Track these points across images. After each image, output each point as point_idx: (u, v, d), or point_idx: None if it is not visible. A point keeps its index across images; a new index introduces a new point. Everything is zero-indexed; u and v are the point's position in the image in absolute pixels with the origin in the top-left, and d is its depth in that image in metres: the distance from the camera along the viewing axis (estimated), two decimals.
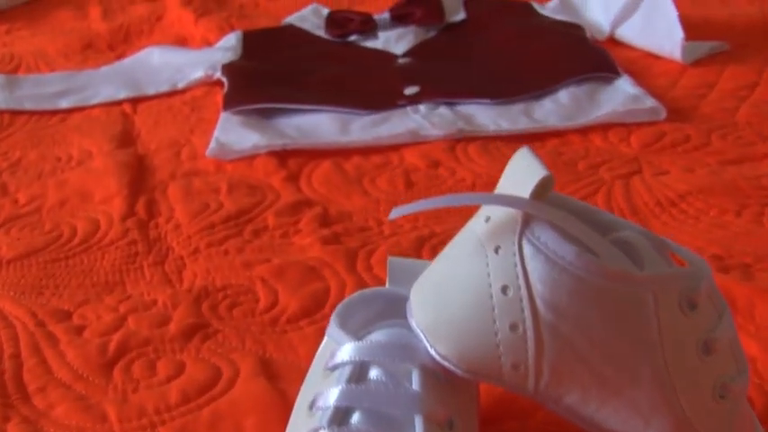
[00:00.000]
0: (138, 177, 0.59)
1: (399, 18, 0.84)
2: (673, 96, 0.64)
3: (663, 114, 0.60)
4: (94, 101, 0.76)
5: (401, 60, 0.77)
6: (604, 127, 0.60)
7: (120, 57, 0.91)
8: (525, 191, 0.26)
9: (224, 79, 0.75)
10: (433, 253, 0.47)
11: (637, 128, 0.59)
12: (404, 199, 0.54)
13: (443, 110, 0.65)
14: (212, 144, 0.62)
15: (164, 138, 0.67)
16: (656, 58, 0.72)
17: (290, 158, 0.60)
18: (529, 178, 0.26)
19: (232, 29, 0.93)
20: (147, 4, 1.09)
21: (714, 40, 0.71)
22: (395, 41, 0.81)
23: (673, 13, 0.68)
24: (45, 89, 0.79)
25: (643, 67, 0.70)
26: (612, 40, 0.77)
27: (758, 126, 0.58)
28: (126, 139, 0.68)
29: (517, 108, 0.64)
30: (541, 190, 0.26)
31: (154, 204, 0.56)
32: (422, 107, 0.65)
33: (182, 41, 0.93)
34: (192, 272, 0.48)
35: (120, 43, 0.95)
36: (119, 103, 0.76)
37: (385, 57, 0.78)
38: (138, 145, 0.67)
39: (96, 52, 0.93)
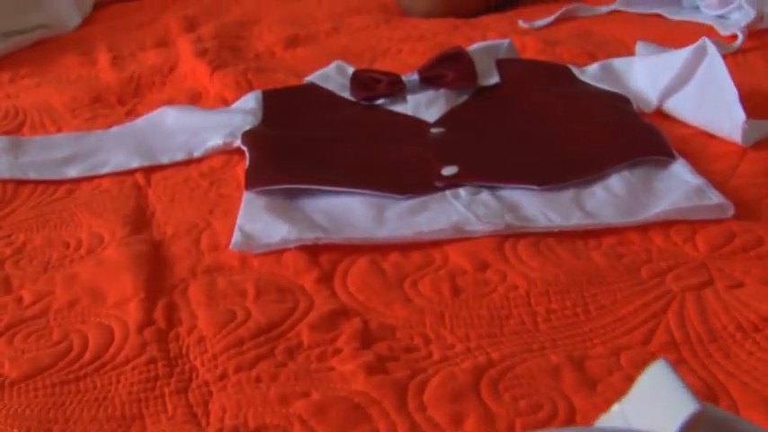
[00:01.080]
0: (156, 274, 0.54)
1: (429, 80, 0.79)
2: (735, 186, 0.59)
3: (730, 212, 0.55)
4: (105, 169, 0.71)
5: (434, 131, 0.72)
6: (666, 224, 0.55)
7: (130, 113, 0.86)
8: (669, 428, 0.21)
9: (244, 148, 0.70)
10: (494, 391, 0.42)
11: (701, 226, 0.54)
12: (451, 308, 0.49)
13: (486, 196, 0.60)
14: (236, 235, 0.56)
15: (181, 219, 0.62)
16: (710, 136, 0.67)
17: (322, 254, 0.55)
18: (674, 412, 0.21)
19: (249, 85, 0.89)
20: (159, 50, 1.05)
21: None
22: (425, 107, 0.77)
23: (732, 92, 0.63)
24: (52, 154, 0.74)
25: (697, 147, 0.65)
26: (660, 114, 0.72)
27: None
28: (140, 219, 0.62)
29: (566, 196, 0.59)
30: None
31: (174, 310, 0.50)
32: (462, 192, 0.60)
33: (196, 97, 0.88)
34: (219, 405, 0.42)
35: (131, 96, 0.90)
36: (131, 172, 0.71)
37: (416, 125, 0.73)
38: (154, 228, 0.62)
39: (105, 107, 0.88)
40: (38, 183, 0.69)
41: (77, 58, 1.03)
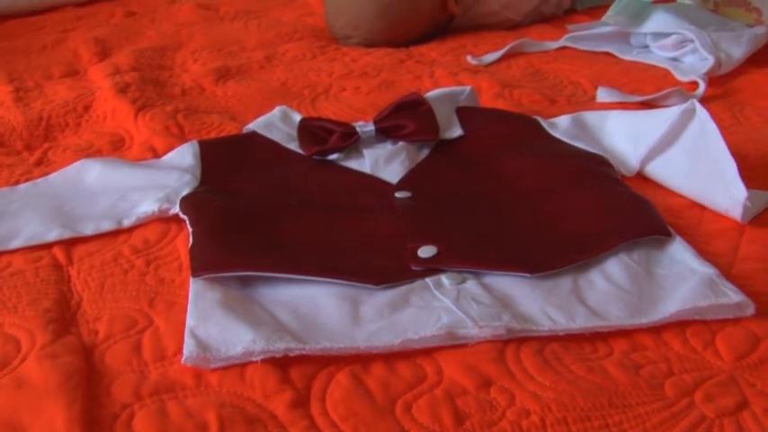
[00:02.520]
0: (90, 401, 0.44)
1: (386, 131, 0.72)
2: (742, 273, 0.54)
3: (750, 310, 0.49)
4: (15, 243, 0.60)
5: (399, 196, 0.64)
6: (680, 324, 0.49)
7: (40, 162, 0.75)
8: None
9: (184, 218, 0.61)
10: None
11: (719, 327, 0.49)
12: None
13: (473, 286, 0.52)
14: (188, 344, 0.47)
15: (115, 313, 0.52)
16: (701, 208, 0.62)
17: (293, 365, 0.47)
18: None
19: (180, 130, 0.79)
20: (71, 82, 0.93)
21: (759, 189, 0.62)
22: (384, 163, 0.69)
23: (730, 165, 0.58)
24: None
25: (690, 222, 0.60)
26: (641, 178, 0.67)
27: None
28: (64, 315, 0.52)
29: (564, 286, 0.52)
30: None
31: None
32: (445, 280, 0.53)
33: (119, 144, 0.78)
34: None
35: (41, 141, 0.79)
36: (47, 246, 0.60)
37: (379, 188, 0.66)
38: (81, 325, 0.51)
39: (10, 153, 0.76)
40: None
41: None
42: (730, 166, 0.58)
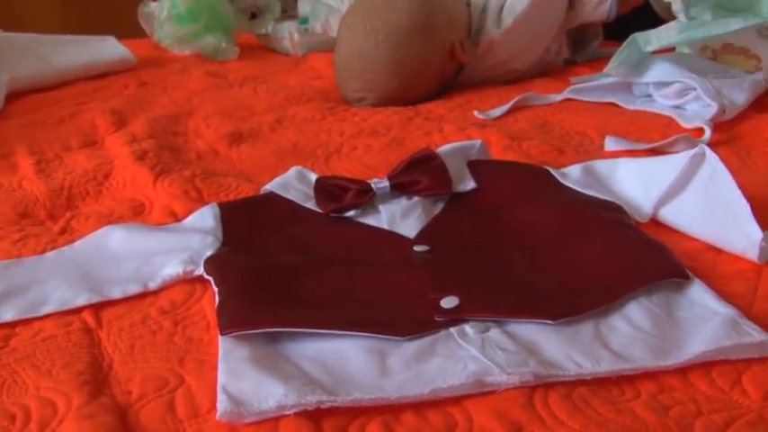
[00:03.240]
0: None
1: (400, 187, 0.74)
2: (761, 311, 0.55)
3: None
4: (46, 309, 0.61)
5: (418, 249, 0.65)
6: (705, 364, 0.50)
7: (65, 231, 0.76)
8: None
9: (209, 278, 0.62)
10: None
11: (745, 367, 0.49)
12: None
13: (497, 334, 0.53)
14: (221, 400, 0.48)
15: (147, 373, 0.53)
16: (717, 251, 0.63)
17: (325, 418, 0.47)
18: None
19: (199, 194, 0.81)
20: (89, 152, 0.95)
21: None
22: (401, 218, 0.70)
23: (744, 207, 0.60)
24: None
25: (707, 265, 0.61)
26: (656, 223, 0.68)
27: None
28: (97, 377, 0.53)
29: (587, 331, 0.53)
30: None
31: None
32: (469, 329, 0.54)
33: (139, 210, 0.80)
34: None
35: (63, 210, 0.81)
36: (77, 311, 0.61)
37: (397, 243, 0.67)
38: (114, 386, 0.52)
39: (35, 224, 0.78)
40: None
41: None
42: (744, 208, 0.60)
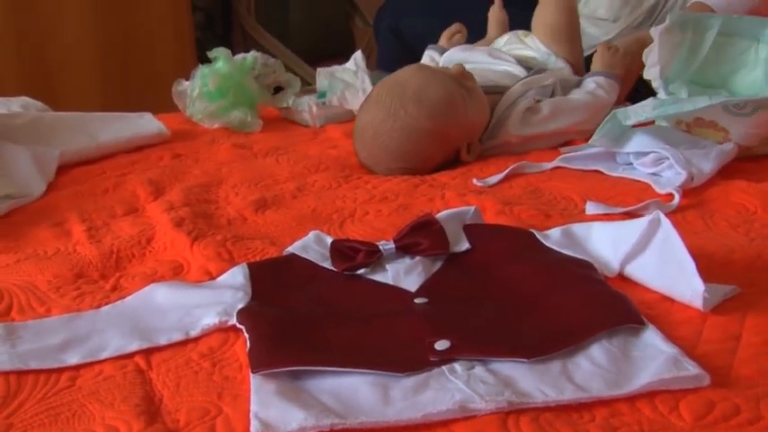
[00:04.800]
0: None
1: (404, 248, 0.85)
2: (703, 353, 0.66)
3: (706, 381, 0.61)
4: (104, 354, 0.73)
5: (418, 301, 0.77)
6: (650, 393, 0.61)
7: (115, 288, 0.88)
8: None
9: (241, 327, 0.74)
10: None
11: (683, 395, 0.60)
12: None
13: (480, 371, 0.64)
14: (254, 424, 0.59)
15: (191, 405, 0.65)
16: (672, 301, 0.74)
17: None
18: None
19: (230, 255, 0.93)
20: (133, 219, 1.08)
21: (723, 283, 0.74)
22: (404, 275, 0.82)
23: (690, 264, 0.71)
24: (48, 339, 0.75)
25: (661, 312, 0.72)
26: (622, 278, 0.79)
27: None
28: (150, 408, 0.64)
29: (555, 368, 0.64)
30: None
31: None
32: (458, 367, 0.65)
33: (178, 269, 0.92)
34: None
35: (113, 270, 0.93)
36: (130, 355, 0.73)
37: (400, 296, 0.78)
38: (165, 416, 0.64)
39: (89, 282, 0.90)
40: (39, 372, 0.71)
41: (51, 230, 1.05)
42: (690, 265, 0.71)
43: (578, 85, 1.35)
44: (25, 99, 1.61)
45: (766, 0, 1.40)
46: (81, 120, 1.42)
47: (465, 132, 1.24)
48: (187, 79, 1.56)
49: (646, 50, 1.22)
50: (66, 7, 2.46)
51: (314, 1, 3.17)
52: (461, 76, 1.25)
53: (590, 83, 1.33)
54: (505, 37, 1.51)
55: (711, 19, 1.21)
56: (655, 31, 1.20)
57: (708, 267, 0.76)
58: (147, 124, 1.46)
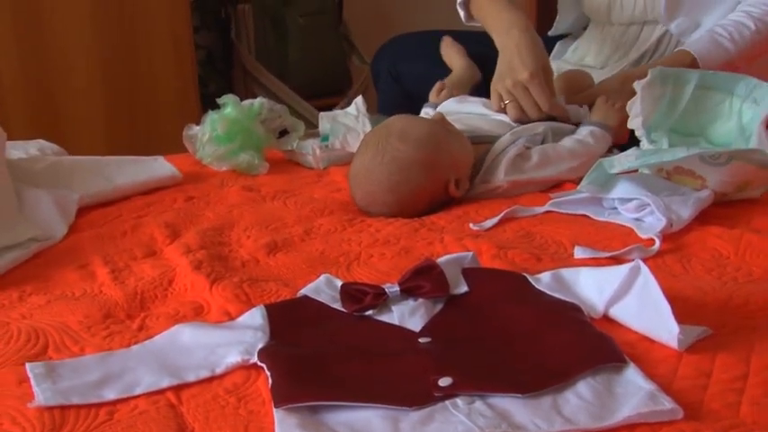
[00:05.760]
0: None
1: (408, 291, 0.93)
2: (678, 388, 0.74)
3: (680, 414, 0.69)
4: (138, 390, 0.80)
5: (422, 341, 0.85)
6: (630, 425, 0.68)
7: (141, 328, 0.96)
8: None
9: (262, 365, 0.82)
10: None
11: (659, 427, 0.68)
12: None
13: (480, 405, 0.72)
14: None
15: None
16: (651, 341, 0.82)
17: None
18: None
19: (247, 297, 1.01)
20: (153, 262, 1.15)
21: (696, 325, 0.82)
22: (409, 316, 0.90)
23: (666, 308, 0.79)
24: (85, 377, 0.83)
25: (642, 352, 0.80)
26: (607, 319, 0.87)
27: (764, 425, 0.68)
28: None
29: (546, 403, 0.72)
30: None
31: None
32: (459, 402, 0.73)
33: (199, 310, 0.99)
34: None
35: (138, 311, 1.01)
36: (162, 391, 0.80)
37: (406, 336, 0.86)
38: None
39: (117, 323, 0.97)
40: (80, 407, 0.78)
41: (77, 272, 1.12)
42: (666, 309, 0.79)
43: (572, 132, 1.44)
44: (41, 142, 1.69)
45: (742, 57, 1.51)
46: (98, 163, 1.51)
47: (451, 165, 1.32)
48: (194, 121, 1.65)
49: (629, 102, 1.32)
50: (73, 37, 2.54)
51: (312, 40, 3.28)
52: (442, 121, 1.35)
53: (583, 130, 1.42)
54: None
55: (689, 74, 1.31)
56: (638, 85, 1.29)
57: (683, 309, 0.84)
58: (160, 167, 1.54)
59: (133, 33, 2.74)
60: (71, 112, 2.53)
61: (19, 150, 1.59)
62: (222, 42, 3.27)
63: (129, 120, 2.64)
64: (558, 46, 1.97)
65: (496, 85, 1.48)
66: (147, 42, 2.80)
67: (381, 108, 2.04)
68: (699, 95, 1.30)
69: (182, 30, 2.88)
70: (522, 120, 1.44)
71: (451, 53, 1.81)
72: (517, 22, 1.51)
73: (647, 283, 0.83)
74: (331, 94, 3.39)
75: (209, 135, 1.60)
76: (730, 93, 1.29)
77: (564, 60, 1.89)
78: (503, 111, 1.47)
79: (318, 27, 3.29)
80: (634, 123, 1.29)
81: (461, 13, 1.73)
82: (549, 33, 1.96)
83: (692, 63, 1.47)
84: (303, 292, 0.97)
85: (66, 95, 2.52)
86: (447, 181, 1.32)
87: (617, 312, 0.86)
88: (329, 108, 3.37)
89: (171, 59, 2.87)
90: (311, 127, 2.32)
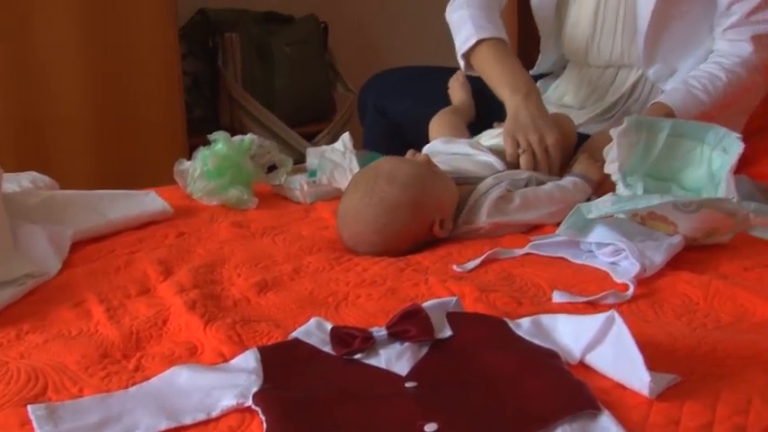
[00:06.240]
0: None
1: (395, 335, 0.98)
2: None
3: None
4: None
5: (408, 385, 0.89)
6: None
7: (138, 368, 0.99)
8: None
9: (257, 409, 0.86)
10: None
11: None
12: None
13: None
14: None
15: None
16: (624, 388, 0.87)
17: None
18: None
19: (240, 338, 1.05)
20: (148, 300, 1.19)
21: (665, 372, 0.87)
22: (395, 360, 0.94)
23: (638, 357, 0.84)
24: (86, 419, 0.86)
25: (615, 398, 0.85)
26: (583, 365, 0.92)
27: None
28: None
29: None
30: None
31: None
32: None
33: (194, 351, 1.03)
34: None
35: (134, 351, 1.04)
36: None
37: (393, 380, 0.91)
38: None
39: (114, 362, 1.01)
40: None
41: (72, 311, 1.16)
42: (639, 359, 0.84)
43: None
44: (33, 174, 1.73)
45: (715, 107, 1.58)
46: (90, 198, 1.55)
47: (436, 206, 1.37)
48: (181, 148, 1.70)
49: (606, 148, 1.38)
50: (61, 65, 2.58)
51: (298, 69, 3.33)
52: (427, 163, 1.40)
53: (565, 180, 1.48)
54: (497, 130, 1.65)
55: (663, 122, 1.37)
56: (614, 132, 1.35)
57: (655, 355, 0.89)
58: (152, 202, 1.58)
59: (121, 61, 2.78)
60: (59, 142, 2.56)
61: (12, 183, 1.63)
62: (209, 69, 3.31)
63: (117, 149, 2.67)
64: (539, 84, 2.04)
65: (516, 133, 1.55)
66: (136, 70, 2.84)
67: (367, 143, 2.09)
68: (672, 143, 1.37)
69: (170, 57, 2.93)
70: (527, 168, 1.52)
71: (457, 86, 1.89)
72: (533, 86, 1.61)
73: (621, 332, 0.88)
74: (316, 121, 3.44)
75: (201, 170, 1.64)
76: (701, 141, 1.35)
77: (545, 98, 1.95)
78: (515, 156, 1.55)
79: (304, 56, 3.34)
80: (610, 168, 1.35)
81: (461, 63, 1.78)
82: (531, 72, 2.03)
83: (669, 115, 1.54)
84: (294, 334, 1.01)
85: (54, 124, 2.55)
86: (432, 222, 1.37)
87: (592, 360, 0.91)
88: (314, 135, 3.45)
89: (159, 86, 2.91)
90: (297, 154, 2.38)
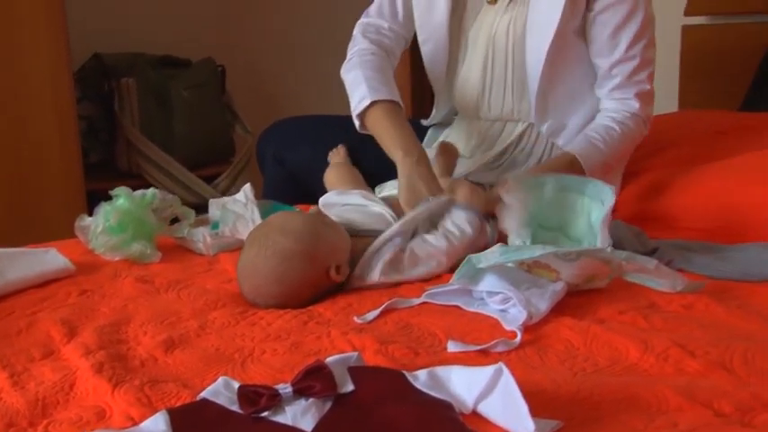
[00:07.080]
0: None
1: (300, 391, 1.03)
2: None
3: None
4: None
5: None
6: None
7: None
8: None
9: None
10: None
11: None
12: None
13: None
14: None
15: None
16: None
17: None
18: None
19: (149, 400, 1.07)
20: (50, 362, 1.20)
21: (549, 418, 0.96)
22: (301, 416, 0.99)
23: (523, 407, 0.92)
24: None
25: None
26: (476, 414, 1.00)
27: None
28: None
29: None
30: None
31: None
32: None
33: (102, 415, 1.05)
34: None
35: (40, 418, 1.05)
36: None
37: None
38: None
39: (20, 431, 1.02)
40: None
41: None
42: (524, 407, 0.92)
43: (443, 216, 1.59)
44: None
45: (613, 156, 1.72)
46: None
47: (330, 252, 1.45)
48: (77, 194, 1.70)
49: (497, 209, 1.48)
50: None
51: (196, 111, 3.35)
52: (318, 214, 1.49)
53: (449, 223, 1.57)
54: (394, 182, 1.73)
55: (546, 178, 1.48)
56: (503, 191, 1.45)
57: (539, 401, 0.98)
58: (53, 260, 1.58)
59: (15, 106, 2.74)
60: None
61: None
62: (105, 114, 3.30)
63: (11, 195, 2.62)
64: (430, 132, 2.15)
65: (415, 202, 1.60)
66: (30, 115, 2.80)
67: (267, 192, 2.15)
68: (560, 196, 1.48)
69: (65, 101, 2.90)
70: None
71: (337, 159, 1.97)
72: (423, 151, 1.71)
73: (508, 383, 0.96)
74: (216, 163, 3.46)
75: (103, 226, 1.66)
76: (582, 193, 1.47)
77: (436, 145, 2.06)
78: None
79: (202, 99, 3.37)
80: (506, 225, 1.45)
81: (356, 123, 1.85)
82: (426, 123, 2.13)
83: (574, 161, 1.67)
84: (203, 395, 1.05)
85: None
86: (328, 267, 1.44)
87: (484, 409, 0.99)
88: (215, 177, 3.46)
89: (54, 130, 2.88)
90: (197, 197, 2.39)
